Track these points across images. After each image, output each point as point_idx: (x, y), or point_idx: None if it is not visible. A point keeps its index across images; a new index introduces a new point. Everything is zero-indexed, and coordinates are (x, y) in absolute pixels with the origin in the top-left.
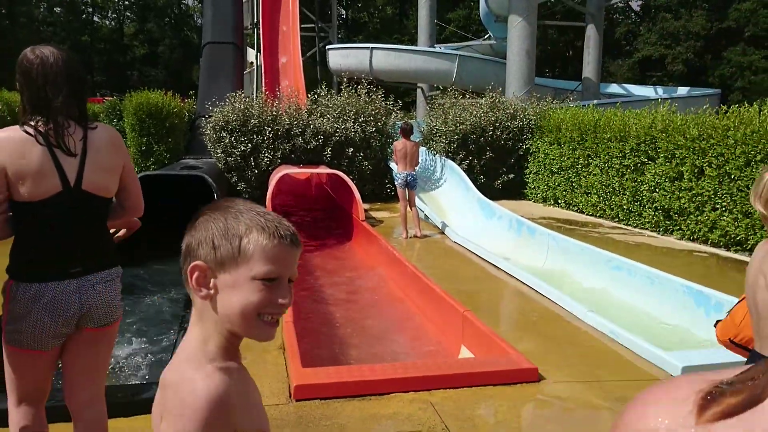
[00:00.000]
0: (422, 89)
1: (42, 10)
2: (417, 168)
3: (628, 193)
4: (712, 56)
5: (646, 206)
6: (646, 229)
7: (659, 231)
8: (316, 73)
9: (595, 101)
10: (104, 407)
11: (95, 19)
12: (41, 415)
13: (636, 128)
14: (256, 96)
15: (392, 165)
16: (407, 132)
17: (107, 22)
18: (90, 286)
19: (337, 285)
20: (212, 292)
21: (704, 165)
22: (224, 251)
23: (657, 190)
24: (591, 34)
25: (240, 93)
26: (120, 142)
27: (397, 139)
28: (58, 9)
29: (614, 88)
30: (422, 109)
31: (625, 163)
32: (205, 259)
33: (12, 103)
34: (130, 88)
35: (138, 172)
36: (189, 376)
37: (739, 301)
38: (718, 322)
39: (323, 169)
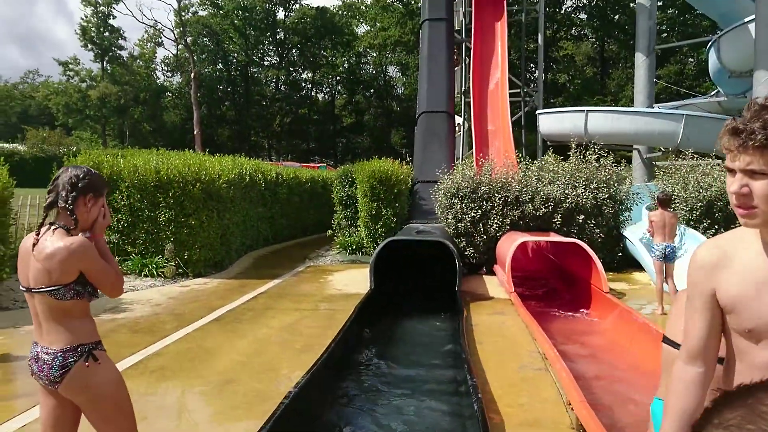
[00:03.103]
0: (639, 150)
1: (271, 88)
2: (675, 239)
3: None
4: None
5: None
6: None
7: None
8: (520, 135)
9: None
10: None
11: (313, 93)
12: None
13: None
14: (464, 159)
15: (626, 233)
16: (665, 203)
17: (321, 96)
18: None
19: (604, 363)
20: None
21: None
22: None
23: None
24: None
25: (467, 161)
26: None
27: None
28: (284, 87)
29: None
30: (639, 171)
31: None
32: None
33: (265, 172)
34: (338, 154)
35: (369, 235)
36: None
37: None
38: None
39: (556, 237)
